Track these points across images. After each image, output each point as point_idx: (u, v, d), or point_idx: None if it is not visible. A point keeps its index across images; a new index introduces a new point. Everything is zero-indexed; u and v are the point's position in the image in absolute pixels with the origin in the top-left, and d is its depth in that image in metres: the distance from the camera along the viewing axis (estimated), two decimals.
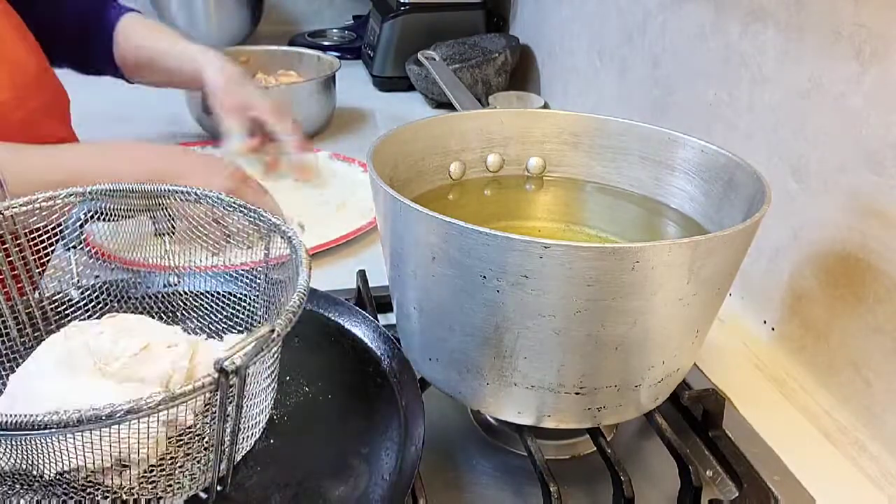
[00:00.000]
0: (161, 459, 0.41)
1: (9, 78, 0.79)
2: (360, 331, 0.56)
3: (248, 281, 0.54)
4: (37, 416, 0.32)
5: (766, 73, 0.68)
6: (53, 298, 0.52)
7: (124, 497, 0.40)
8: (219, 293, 0.55)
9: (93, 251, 0.59)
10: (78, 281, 0.53)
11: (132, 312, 0.53)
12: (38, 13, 0.89)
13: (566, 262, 0.40)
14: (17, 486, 0.39)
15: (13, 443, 0.37)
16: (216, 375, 0.35)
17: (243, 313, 0.54)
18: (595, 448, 0.52)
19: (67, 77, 0.91)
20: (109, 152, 0.77)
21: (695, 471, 0.48)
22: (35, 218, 0.50)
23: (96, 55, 0.97)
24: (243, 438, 0.42)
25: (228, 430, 0.39)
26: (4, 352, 0.49)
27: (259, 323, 0.53)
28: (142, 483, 0.41)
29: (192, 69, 0.93)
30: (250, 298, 0.54)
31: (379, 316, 0.63)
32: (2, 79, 0.78)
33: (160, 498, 0.40)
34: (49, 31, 0.89)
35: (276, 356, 0.43)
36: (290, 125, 0.92)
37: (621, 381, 0.47)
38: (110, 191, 0.51)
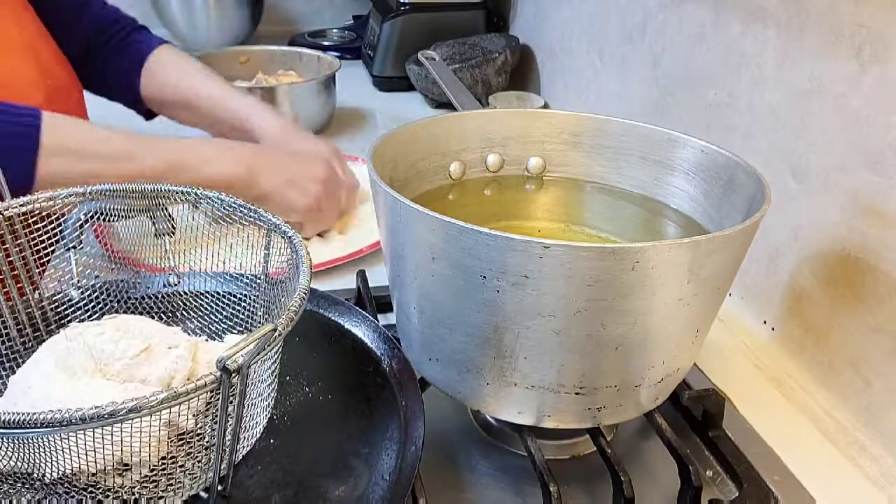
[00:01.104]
0: (162, 459, 0.41)
1: (43, 83, 0.78)
2: (360, 331, 0.56)
3: (248, 281, 0.54)
4: (39, 413, 0.32)
5: (766, 73, 0.68)
6: (53, 299, 0.52)
7: (125, 496, 0.40)
8: (219, 293, 0.55)
9: (103, 246, 0.59)
10: (78, 281, 0.53)
11: (132, 313, 0.53)
12: (54, 21, 0.88)
13: (566, 262, 0.40)
14: (19, 484, 0.39)
15: (15, 442, 0.37)
16: (218, 374, 0.35)
17: (243, 314, 0.54)
18: (595, 448, 0.52)
19: None
20: (203, 149, 0.74)
21: (695, 471, 0.48)
22: (35, 218, 0.50)
23: (113, 80, 0.93)
24: (244, 438, 0.42)
25: (230, 430, 0.39)
26: (4, 352, 0.49)
27: (259, 323, 0.53)
28: (143, 483, 0.41)
29: (239, 118, 0.88)
30: (250, 299, 0.54)
31: (379, 316, 0.63)
32: (38, 84, 0.77)
33: (161, 497, 0.40)
34: (61, 43, 0.88)
35: (277, 355, 0.43)
36: (348, 175, 0.86)
37: (621, 381, 0.47)
38: (110, 191, 0.51)
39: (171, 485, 0.41)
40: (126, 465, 0.40)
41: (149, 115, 0.97)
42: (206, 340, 0.52)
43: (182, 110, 0.93)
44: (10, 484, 0.40)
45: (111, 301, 0.55)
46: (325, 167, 0.79)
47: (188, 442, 0.41)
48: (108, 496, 0.40)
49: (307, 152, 0.83)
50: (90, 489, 0.40)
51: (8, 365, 0.49)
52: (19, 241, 0.50)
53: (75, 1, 0.93)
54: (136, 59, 0.92)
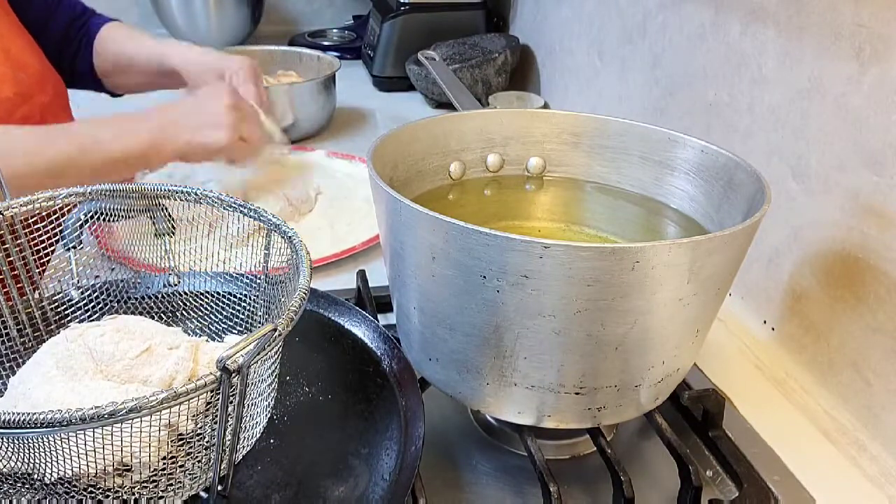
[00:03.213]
0: (163, 459, 0.41)
1: (13, 76, 0.80)
2: (360, 331, 0.56)
3: (248, 281, 0.54)
4: (39, 413, 0.32)
5: (766, 73, 0.68)
6: (53, 299, 0.52)
7: (125, 496, 0.40)
8: (219, 293, 0.55)
9: (100, 247, 0.59)
10: (78, 281, 0.53)
11: (132, 313, 0.53)
12: (32, 19, 0.90)
13: (566, 262, 0.40)
14: (19, 484, 0.39)
15: (15, 443, 0.37)
16: (218, 374, 0.35)
17: (243, 314, 0.54)
18: (595, 448, 0.52)
19: None
20: (110, 126, 0.77)
21: (695, 471, 0.48)
22: (35, 218, 0.50)
23: (79, 67, 0.97)
24: (244, 438, 0.42)
25: (230, 430, 0.39)
26: (4, 352, 0.49)
27: (259, 323, 0.53)
28: (143, 483, 0.41)
29: (159, 58, 0.94)
30: (250, 299, 0.54)
31: (379, 316, 0.63)
32: (6, 77, 0.79)
33: (161, 497, 0.40)
34: (38, 38, 0.89)
35: (277, 355, 0.43)
36: (260, 89, 0.91)
37: (621, 381, 0.47)
38: (110, 191, 0.51)
39: (171, 485, 0.41)
40: (126, 465, 0.40)
41: (114, 93, 1.03)
42: (207, 341, 0.52)
43: (125, 75, 0.98)
44: (11, 484, 0.40)
45: (111, 301, 0.55)
46: (226, 95, 0.80)
47: (188, 442, 0.41)
48: (108, 496, 0.40)
49: (221, 65, 0.89)
50: (90, 489, 0.40)
51: (8, 365, 0.49)
52: (19, 241, 0.50)
53: (50, 1, 0.96)
54: (90, 40, 0.97)
